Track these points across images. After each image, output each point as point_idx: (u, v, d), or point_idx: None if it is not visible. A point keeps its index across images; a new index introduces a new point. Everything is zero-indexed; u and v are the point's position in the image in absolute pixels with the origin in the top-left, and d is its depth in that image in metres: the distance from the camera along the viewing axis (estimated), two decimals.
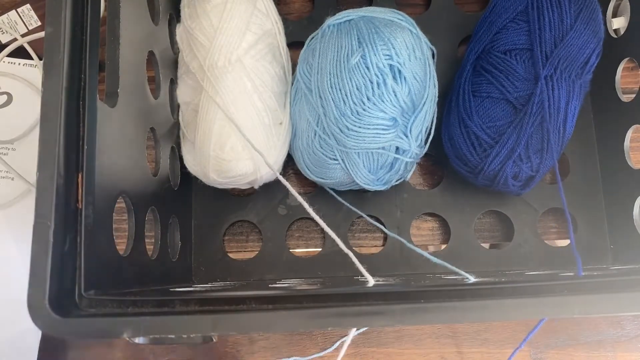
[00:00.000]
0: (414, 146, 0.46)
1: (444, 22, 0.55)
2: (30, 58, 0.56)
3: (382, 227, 0.51)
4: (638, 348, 0.51)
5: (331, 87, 0.45)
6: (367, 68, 0.44)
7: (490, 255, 0.52)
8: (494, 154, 0.45)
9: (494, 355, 0.52)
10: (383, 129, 0.44)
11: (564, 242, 0.53)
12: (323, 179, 0.48)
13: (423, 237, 0.54)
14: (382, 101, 0.44)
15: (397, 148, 0.46)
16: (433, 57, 0.49)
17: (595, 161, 0.53)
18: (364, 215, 0.50)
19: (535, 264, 0.51)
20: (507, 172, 0.46)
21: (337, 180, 0.47)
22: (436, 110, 0.48)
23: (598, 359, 0.51)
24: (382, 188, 0.48)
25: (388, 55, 0.44)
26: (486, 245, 0.53)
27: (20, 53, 0.56)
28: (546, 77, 0.44)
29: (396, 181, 0.49)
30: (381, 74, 0.44)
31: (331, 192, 0.51)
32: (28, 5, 0.54)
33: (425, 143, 0.48)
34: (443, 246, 0.53)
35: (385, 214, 0.52)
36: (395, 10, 0.48)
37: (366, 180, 0.46)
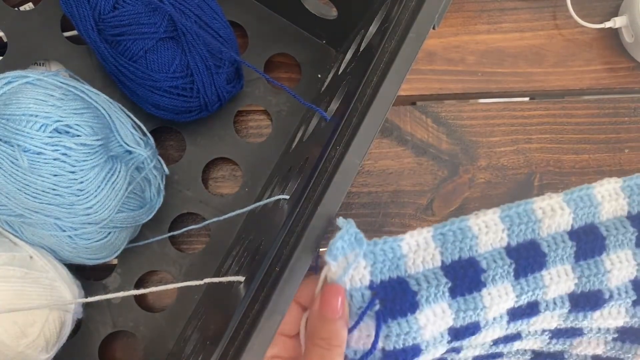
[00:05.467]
0: (143, 150, 0.44)
1: None
2: None
3: None
4: None
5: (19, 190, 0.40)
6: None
7: None
8: (197, 82, 0.45)
9: None
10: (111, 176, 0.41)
11: None
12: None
13: None
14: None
15: (137, 168, 0.44)
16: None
17: None
18: None
19: None
20: (219, 82, 0.46)
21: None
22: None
23: None
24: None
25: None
26: None
27: None
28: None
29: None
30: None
31: None
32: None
33: (145, 135, 0.47)
34: None
35: None
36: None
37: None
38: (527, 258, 0.35)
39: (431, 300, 0.33)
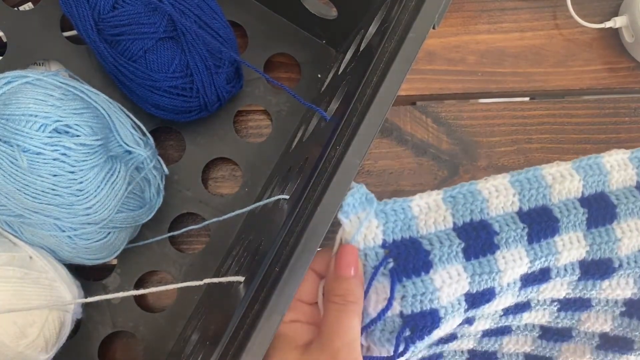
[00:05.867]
0: (143, 150, 0.44)
1: None
2: None
3: None
4: None
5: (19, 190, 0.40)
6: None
7: None
8: (197, 81, 0.45)
9: None
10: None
11: None
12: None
13: None
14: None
15: (137, 168, 0.44)
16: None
17: None
18: None
19: None
20: (218, 82, 0.46)
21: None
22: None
23: None
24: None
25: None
26: None
27: None
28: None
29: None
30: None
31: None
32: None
33: (145, 135, 0.47)
34: None
35: None
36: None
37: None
38: (540, 223, 0.36)
39: (445, 260, 0.34)
